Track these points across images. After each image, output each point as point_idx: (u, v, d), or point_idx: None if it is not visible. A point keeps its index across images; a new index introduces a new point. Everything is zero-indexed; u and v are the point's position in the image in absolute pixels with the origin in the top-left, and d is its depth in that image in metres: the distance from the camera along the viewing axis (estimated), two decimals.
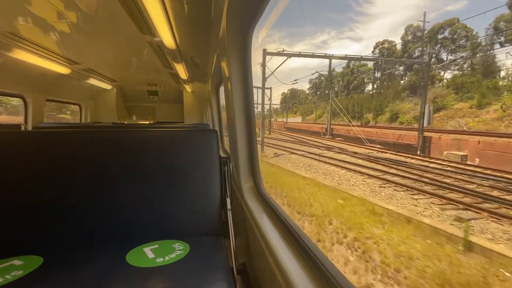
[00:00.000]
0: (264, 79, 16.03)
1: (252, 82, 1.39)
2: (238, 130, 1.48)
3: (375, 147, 15.85)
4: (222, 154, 1.60)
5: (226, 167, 1.57)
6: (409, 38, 36.66)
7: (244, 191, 1.54)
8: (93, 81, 4.07)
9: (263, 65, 15.82)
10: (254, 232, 1.17)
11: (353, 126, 21.35)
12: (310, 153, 13.63)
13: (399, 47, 37.63)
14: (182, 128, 2.51)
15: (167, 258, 1.15)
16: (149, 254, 1.19)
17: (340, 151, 14.40)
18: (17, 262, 1.12)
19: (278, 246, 0.94)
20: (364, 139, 18.58)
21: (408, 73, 33.42)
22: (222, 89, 2.85)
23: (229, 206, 1.47)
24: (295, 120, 45.55)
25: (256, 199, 1.46)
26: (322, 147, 16.27)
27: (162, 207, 1.41)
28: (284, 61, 15.50)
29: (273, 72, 16.44)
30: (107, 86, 4.72)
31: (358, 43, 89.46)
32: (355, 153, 13.55)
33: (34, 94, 3.09)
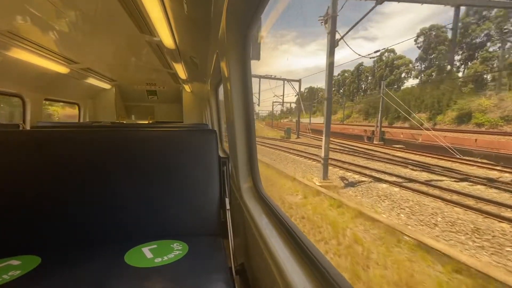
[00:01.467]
0: (334, 46, 8.60)
1: (251, 82, 1.39)
2: (237, 130, 1.47)
3: (493, 165, 9.57)
4: (221, 154, 1.60)
5: (225, 167, 1.57)
6: (471, 20, 28.59)
7: (243, 192, 1.54)
8: (92, 81, 4.06)
9: (332, 19, 8.39)
10: (253, 232, 1.17)
11: (428, 129, 14.90)
12: (405, 178, 7.94)
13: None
14: (181, 128, 2.51)
15: (165, 258, 1.15)
16: (147, 254, 1.18)
17: (460, 175, 8.22)
18: (14, 262, 1.12)
19: (277, 246, 0.93)
20: (451, 148, 12.11)
21: (469, 63, 26.12)
22: (221, 89, 2.85)
23: (228, 207, 1.46)
24: (316, 120, 41.98)
25: (255, 199, 1.46)
26: (401, 162, 10.26)
27: (161, 207, 1.41)
28: (373, 8, 8.59)
29: (343, 37, 8.81)
30: (106, 86, 4.71)
31: (372, 43, 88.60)
32: (490, 180, 7.55)
33: (32, 94, 3.08)
